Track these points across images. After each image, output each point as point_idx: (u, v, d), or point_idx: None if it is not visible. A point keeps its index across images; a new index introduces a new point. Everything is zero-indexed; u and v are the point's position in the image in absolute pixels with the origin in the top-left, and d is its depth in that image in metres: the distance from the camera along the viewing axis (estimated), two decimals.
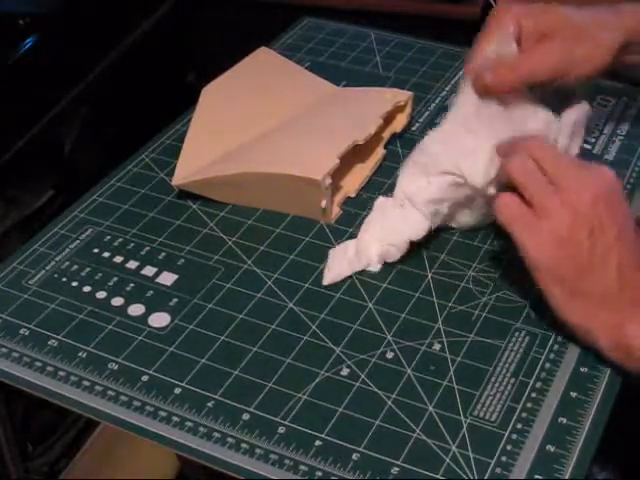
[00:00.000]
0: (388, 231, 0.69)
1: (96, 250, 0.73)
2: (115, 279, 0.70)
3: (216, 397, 0.60)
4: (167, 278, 0.70)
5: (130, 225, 0.75)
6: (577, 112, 0.71)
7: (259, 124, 0.82)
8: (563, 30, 0.71)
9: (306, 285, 0.69)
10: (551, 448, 0.56)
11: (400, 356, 0.63)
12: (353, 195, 0.78)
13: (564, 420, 0.58)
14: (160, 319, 0.66)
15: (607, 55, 0.71)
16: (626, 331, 0.58)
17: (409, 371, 0.62)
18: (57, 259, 0.72)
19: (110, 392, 0.61)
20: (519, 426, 0.58)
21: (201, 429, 0.58)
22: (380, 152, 0.82)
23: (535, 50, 0.70)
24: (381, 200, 0.72)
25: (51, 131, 1.24)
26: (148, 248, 0.73)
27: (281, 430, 0.58)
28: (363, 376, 0.61)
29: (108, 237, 0.74)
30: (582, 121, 0.72)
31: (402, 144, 0.83)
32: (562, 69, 0.70)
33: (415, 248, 0.70)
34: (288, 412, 0.59)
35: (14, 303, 0.68)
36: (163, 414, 0.59)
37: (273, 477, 0.55)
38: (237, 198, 0.77)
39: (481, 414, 0.59)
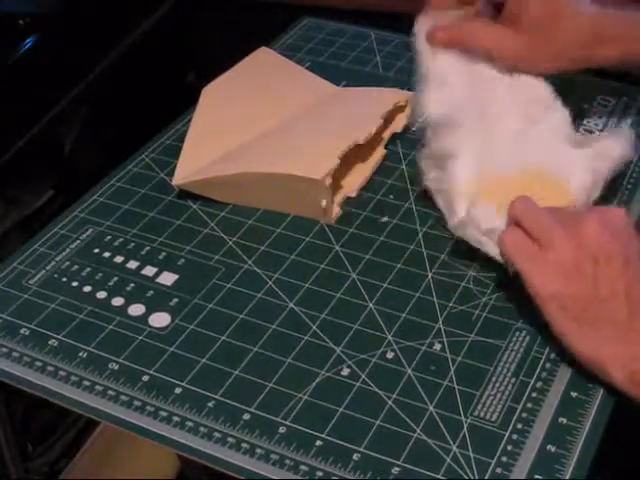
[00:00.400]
0: None
1: (96, 250, 0.73)
2: (115, 279, 0.70)
3: (217, 397, 0.60)
4: (167, 278, 0.70)
5: (130, 225, 0.75)
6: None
7: (259, 124, 0.82)
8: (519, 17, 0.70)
9: (306, 285, 0.69)
10: (552, 448, 0.56)
11: (400, 356, 0.63)
12: (353, 195, 0.78)
13: (564, 420, 0.58)
14: (160, 319, 0.66)
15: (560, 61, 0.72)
16: None
17: (409, 371, 0.62)
18: (57, 259, 0.72)
19: (110, 392, 0.61)
20: (519, 426, 0.58)
21: (202, 429, 0.58)
22: (380, 152, 0.82)
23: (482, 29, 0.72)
24: None
25: (51, 131, 1.24)
26: (148, 248, 0.73)
27: (282, 430, 0.58)
28: (363, 376, 0.61)
29: (108, 237, 0.74)
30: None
31: (402, 144, 0.83)
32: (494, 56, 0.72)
33: (415, 249, 0.70)
34: (289, 412, 0.59)
35: (14, 303, 0.68)
36: (164, 414, 0.59)
37: (274, 477, 0.55)
38: (237, 198, 0.77)
39: (482, 414, 0.59)
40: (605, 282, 0.58)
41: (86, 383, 0.61)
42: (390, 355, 0.63)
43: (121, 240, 0.74)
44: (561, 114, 0.74)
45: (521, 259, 0.61)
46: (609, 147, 0.71)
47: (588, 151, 0.71)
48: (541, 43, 0.71)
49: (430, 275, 0.69)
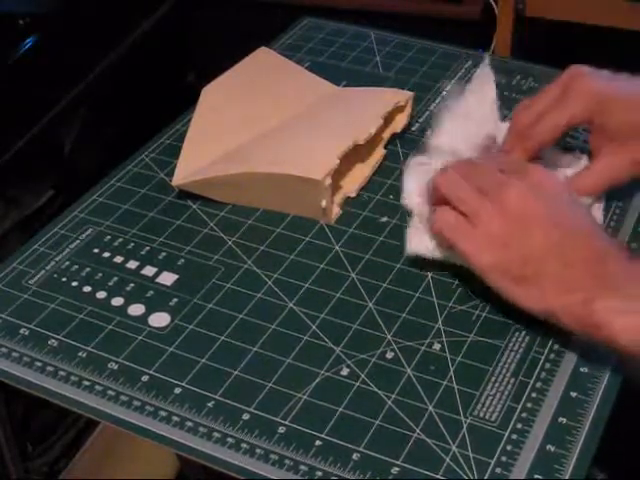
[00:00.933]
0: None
1: (96, 250, 0.73)
2: (115, 279, 0.70)
3: (216, 397, 0.60)
4: (167, 278, 0.70)
5: (130, 225, 0.75)
6: None
7: (259, 124, 0.82)
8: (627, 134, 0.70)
9: (306, 285, 0.69)
10: (551, 448, 0.56)
11: (400, 356, 0.63)
12: (353, 195, 0.78)
13: (564, 420, 0.58)
14: (160, 319, 0.66)
15: None
16: (593, 307, 0.58)
17: (409, 371, 0.62)
18: (57, 259, 0.72)
19: (110, 392, 0.61)
20: (519, 426, 0.58)
21: (201, 429, 0.58)
22: (380, 152, 0.82)
23: (598, 164, 0.72)
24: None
25: (51, 131, 1.25)
26: (148, 248, 0.73)
27: (281, 430, 0.58)
28: (363, 376, 0.61)
29: (108, 237, 0.74)
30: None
31: (402, 144, 0.83)
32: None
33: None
34: (288, 412, 0.59)
35: (14, 303, 0.68)
36: (163, 414, 0.59)
37: (273, 477, 0.55)
38: (237, 198, 0.77)
39: (481, 414, 0.59)
40: (535, 241, 0.61)
41: (86, 383, 0.61)
42: (390, 355, 0.63)
43: (121, 240, 0.74)
44: None
45: (454, 238, 0.64)
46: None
47: None
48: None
49: (430, 275, 0.69)
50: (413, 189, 0.70)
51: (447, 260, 0.67)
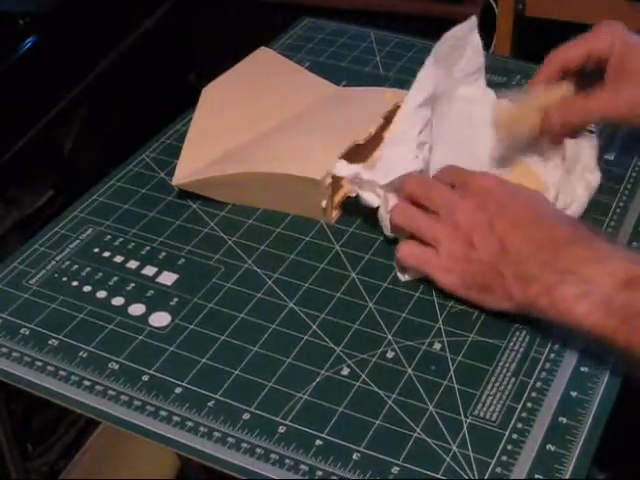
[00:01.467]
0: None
1: (96, 250, 0.73)
2: (115, 279, 0.70)
3: (216, 397, 0.60)
4: (167, 278, 0.70)
5: (130, 225, 0.75)
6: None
7: (259, 124, 0.82)
8: None
9: (306, 285, 0.69)
10: (551, 448, 0.56)
11: (400, 356, 0.63)
12: (353, 195, 0.77)
13: (564, 420, 0.58)
14: (160, 319, 0.66)
15: None
16: (553, 297, 0.59)
17: (409, 371, 0.62)
18: (57, 259, 0.72)
19: (111, 392, 0.61)
20: (519, 426, 0.58)
21: (201, 429, 0.58)
22: (380, 152, 0.82)
23: (609, 90, 0.74)
24: None
25: (51, 131, 1.25)
26: (148, 248, 0.73)
27: (281, 430, 0.58)
28: (363, 376, 0.61)
29: (108, 237, 0.74)
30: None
31: None
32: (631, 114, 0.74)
33: None
34: (288, 412, 0.59)
35: (14, 303, 0.68)
36: (164, 414, 0.59)
37: (274, 477, 0.55)
38: (237, 198, 0.77)
39: (481, 414, 0.59)
40: (485, 250, 0.63)
41: (86, 383, 0.62)
42: (390, 355, 0.63)
43: (121, 240, 0.74)
44: None
45: (421, 267, 0.67)
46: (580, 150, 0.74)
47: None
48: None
49: None
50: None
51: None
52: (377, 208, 0.71)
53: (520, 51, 1.46)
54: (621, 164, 0.79)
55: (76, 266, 0.71)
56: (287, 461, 0.56)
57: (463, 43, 0.80)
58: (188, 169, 0.77)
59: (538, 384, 0.61)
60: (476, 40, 0.81)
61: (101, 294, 0.69)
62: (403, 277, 0.69)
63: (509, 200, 0.65)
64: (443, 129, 0.77)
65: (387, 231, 0.71)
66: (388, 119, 0.82)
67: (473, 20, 0.81)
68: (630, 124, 0.78)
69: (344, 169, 0.71)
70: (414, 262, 0.67)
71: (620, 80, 0.73)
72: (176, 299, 0.68)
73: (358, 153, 0.78)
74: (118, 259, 0.72)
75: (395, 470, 0.55)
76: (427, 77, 0.76)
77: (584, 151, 0.74)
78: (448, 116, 0.79)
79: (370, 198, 0.71)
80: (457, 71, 0.81)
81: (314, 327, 0.65)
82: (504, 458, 0.56)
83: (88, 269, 0.71)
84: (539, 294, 0.60)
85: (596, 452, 0.56)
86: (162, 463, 1.23)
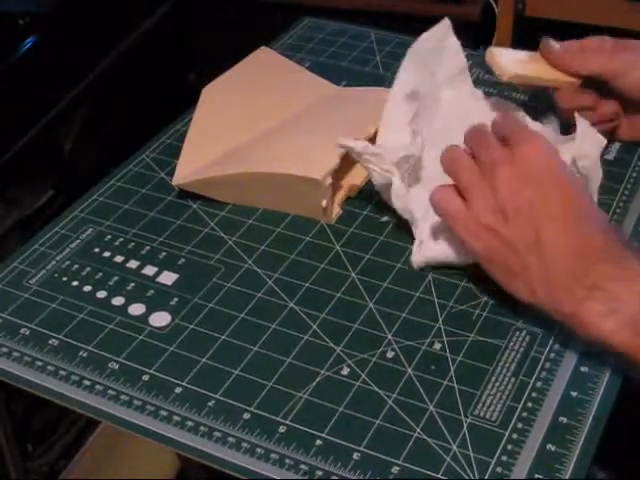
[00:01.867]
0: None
1: (96, 250, 0.73)
2: (116, 278, 0.70)
3: (217, 396, 0.60)
4: (167, 277, 0.70)
5: (130, 225, 0.75)
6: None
7: (259, 124, 0.82)
8: None
9: (306, 285, 0.69)
10: (551, 447, 0.56)
11: (400, 355, 0.63)
12: (353, 195, 0.78)
13: (564, 419, 0.58)
14: (161, 318, 0.66)
15: None
16: (579, 309, 0.59)
17: (409, 370, 0.62)
18: (57, 259, 0.72)
19: (111, 391, 0.61)
20: (519, 425, 0.58)
21: (202, 428, 0.58)
22: None
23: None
24: None
25: (51, 131, 1.25)
26: (148, 248, 0.73)
27: (282, 429, 0.58)
28: (364, 375, 0.61)
29: (108, 237, 0.74)
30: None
31: None
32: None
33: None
34: (289, 411, 0.59)
35: (14, 303, 0.68)
36: (164, 413, 0.59)
37: (274, 476, 0.55)
38: (237, 198, 0.77)
39: (482, 413, 0.59)
40: (520, 236, 0.61)
41: (86, 383, 0.62)
42: (390, 355, 0.63)
43: (121, 240, 0.74)
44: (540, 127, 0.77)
45: (448, 219, 0.65)
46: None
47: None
48: None
49: (430, 275, 0.69)
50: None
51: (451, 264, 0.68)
52: (385, 193, 0.71)
53: None
54: (621, 164, 0.80)
55: (76, 266, 0.71)
56: (287, 461, 0.56)
57: (440, 46, 0.79)
58: (188, 169, 0.77)
59: (538, 384, 0.61)
60: (453, 42, 0.80)
61: (101, 294, 0.69)
62: (416, 264, 0.69)
63: (552, 185, 0.62)
64: (435, 131, 0.76)
65: (398, 209, 0.70)
66: None
67: (446, 22, 0.80)
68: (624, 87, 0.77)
69: (354, 142, 0.70)
70: (442, 210, 0.65)
71: (619, 50, 0.75)
72: (176, 299, 0.68)
73: None
74: (118, 259, 0.72)
75: (395, 470, 0.55)
76: (408, 73, 0.77)
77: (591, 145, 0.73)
78: (438, 118, 0.78)
79: (382, 176, 0.70)
80: (440, 75, 0.80)
81: (314, 327, 0.65)
82: (504, 458, 0.56)
83: (88, 269, 0.71)
84: (565, 304, 0.59)
85: (596, 452, 0.56)
86: (162, 463, 1.23)
